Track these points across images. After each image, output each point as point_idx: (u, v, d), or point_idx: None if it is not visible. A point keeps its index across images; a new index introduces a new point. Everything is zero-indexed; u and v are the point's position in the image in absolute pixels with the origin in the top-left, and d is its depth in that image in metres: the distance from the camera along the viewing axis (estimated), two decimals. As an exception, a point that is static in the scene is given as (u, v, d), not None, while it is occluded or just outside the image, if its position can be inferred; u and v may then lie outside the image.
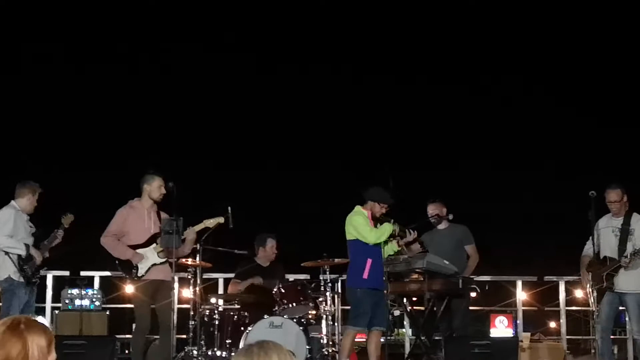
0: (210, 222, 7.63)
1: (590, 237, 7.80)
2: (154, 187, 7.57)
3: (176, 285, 8.95)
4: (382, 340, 7.93)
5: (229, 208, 7.60)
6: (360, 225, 7.75)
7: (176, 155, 15.35)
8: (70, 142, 15.70)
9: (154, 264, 7.46)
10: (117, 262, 7.54)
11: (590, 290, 7.67)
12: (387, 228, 7.75)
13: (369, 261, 7.67)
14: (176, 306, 8.99)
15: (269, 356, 2.86)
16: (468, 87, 16.92)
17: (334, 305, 8.27)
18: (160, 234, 7.46)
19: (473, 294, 8.63)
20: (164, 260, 7.50)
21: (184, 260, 7.76)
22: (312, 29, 16.24)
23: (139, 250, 7.49)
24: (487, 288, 9.07)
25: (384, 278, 7.73)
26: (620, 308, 7.90)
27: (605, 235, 7.72)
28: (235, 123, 16.92)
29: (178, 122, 16.56)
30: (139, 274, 7.44)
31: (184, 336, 8.17)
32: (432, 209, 8.77)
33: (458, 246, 8.72)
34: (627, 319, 10.10)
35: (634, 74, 15.31)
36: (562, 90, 16.59)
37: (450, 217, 8.73)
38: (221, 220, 7.61)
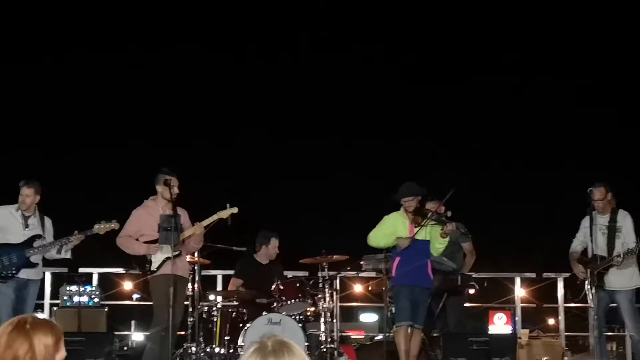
0: (224, 214, 7.51)
1: (577, 234, 7.89)
2: (166, 186, 7.44)
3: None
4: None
5: (228, 205, 7.57)
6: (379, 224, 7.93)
7: (175, 153, 15.35)
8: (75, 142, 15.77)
9: (168, 258, 7.31)
10: (133, 260, 7.51)
11: (589, 287, 7.64)
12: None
13: (397, 259, 7.78)
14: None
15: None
16: (468, 87, 16.96)
17: (333, 302, 8.27)
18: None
19: (471, 291, 8.64)
20: (177, 253, 7.34)
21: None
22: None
23: (155, 245, 7.41)
24: (485, 285, 9.06)
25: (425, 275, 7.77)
26: (611, 305, 7.85)
27: (593, 232, 7.68)
28: (235, 120, 16.93)
29: (177, 119, 16.58)
30: (152, 268, 7.40)
31: (183, 333, 8.16)
32: (429, 207, 8.76)
33: (455, 243, 8.73)
34: (624, 316, 10.11)
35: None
36: (550, 88, 16.63)
37: (449, 214, 8.73)
38: (235, 210, 7.50)
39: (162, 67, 16.65)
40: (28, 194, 7.73)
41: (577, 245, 7.92)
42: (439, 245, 7.85)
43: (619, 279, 7.55)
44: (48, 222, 7.91)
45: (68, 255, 7.81)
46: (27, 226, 7.73)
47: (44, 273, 8.01)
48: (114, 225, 7.60)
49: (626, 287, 7.58)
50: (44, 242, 7.71)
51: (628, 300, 7.58)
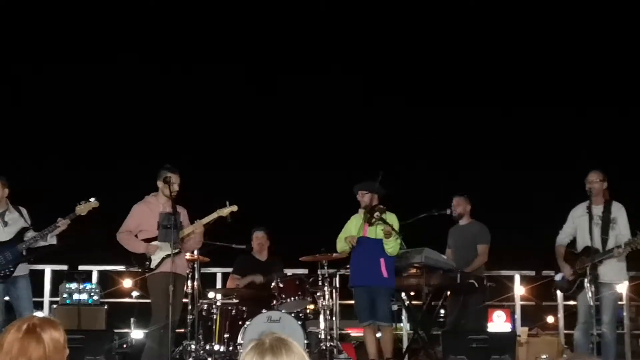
0: (224, 212, 7.48)
1: (564, 226, 7.66)
2: (166, 184, 7.42)
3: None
4: (379, 334, 7.99)
5: (227, 203, 7.56)
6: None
7: (175, 152, 15.37)
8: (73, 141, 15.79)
9: (167, 255, 7.30)
10: (132, 256, 7.51)
11: (589, 284, 7.44)
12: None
13: (352, 260, 7.95)
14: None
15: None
16: (466, 87, 17.03)
17: (332, 300, 8.28)
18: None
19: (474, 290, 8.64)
20: (177, 251, 7.33)
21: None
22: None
23: (153, 243, 7.41)
24: (488, 284, 9.01)
25: (378, 274, 7.80)
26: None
27: (583, 223, 7.44)
28: (237, 120, 16.96)
29: (179, 120, 16.61)
30: (152, 266, 7.39)
31: (182, 330, 8.16)
32: (454, 203, 8.92)
33: (471, 243, 8.77)
34: (624, 313, 10.08)
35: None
36: (550, 88, 16.67)
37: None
38: (234, 208, 7.47)
39: (162, 68, 16.71)
40: None
41: (564, 237, 7.67)
42: (386, 246, 7.77)
43: (608, 272, 7.27)
44: (24, 212, 7.76)
45: (54, 241, 7.67)
46: (5, 224, 7.63)
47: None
48: (94, 203, 7.55)
49: (611, 281, 7.33)
50: (34, 234, 7.60)
51: (612, 294, 7.32)
